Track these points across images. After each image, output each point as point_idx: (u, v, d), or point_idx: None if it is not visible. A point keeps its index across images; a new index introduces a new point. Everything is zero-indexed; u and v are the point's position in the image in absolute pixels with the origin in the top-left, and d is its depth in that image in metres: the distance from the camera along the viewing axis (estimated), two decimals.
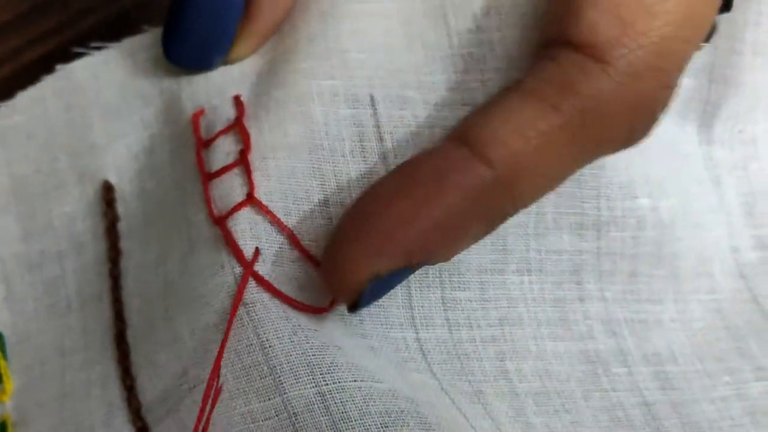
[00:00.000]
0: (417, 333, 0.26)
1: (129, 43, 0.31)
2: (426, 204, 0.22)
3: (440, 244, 0.23)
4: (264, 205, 0.25)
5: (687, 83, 0.30)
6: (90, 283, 0.29)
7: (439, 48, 0.27)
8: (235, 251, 0.24)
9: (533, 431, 0.26)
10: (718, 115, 0.30)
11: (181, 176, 0.28)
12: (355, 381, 0.23)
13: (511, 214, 0.24)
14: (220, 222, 0.25)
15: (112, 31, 0.33)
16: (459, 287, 0.27)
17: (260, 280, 0.24)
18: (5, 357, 0.30)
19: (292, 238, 0.25)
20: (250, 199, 0.25)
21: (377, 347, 0.25)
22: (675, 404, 0.28)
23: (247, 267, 0.24)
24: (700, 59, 0.30)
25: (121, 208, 0.29)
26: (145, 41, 0.30)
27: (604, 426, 0.27)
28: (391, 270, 0.22)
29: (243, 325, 0.24)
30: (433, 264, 0.24)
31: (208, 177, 0.26)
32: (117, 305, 0.28)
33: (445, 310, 0.27)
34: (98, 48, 0.31)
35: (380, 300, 0.26)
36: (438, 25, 0.27)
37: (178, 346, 0.25)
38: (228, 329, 0.23)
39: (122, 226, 0.29)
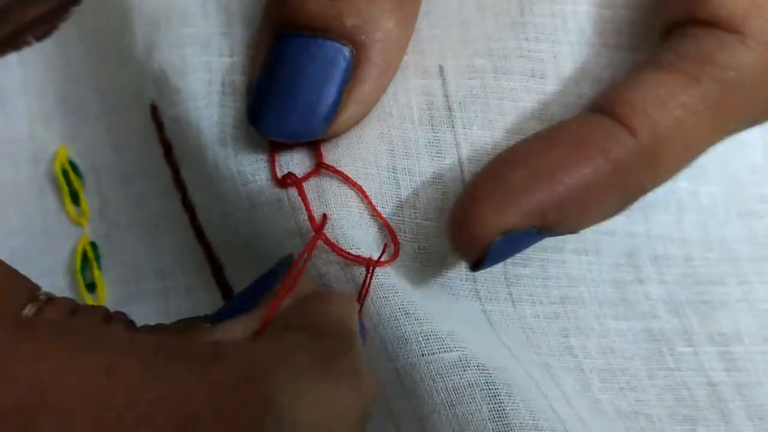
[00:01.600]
0: (482, 305, 0.26)
1: None
2: (566, 164, 0.22)
3: (573, 208, 0.22)
4: (334, 168, 0.25)
5: None
6: (173, 208, 0.29)
7: (510, 14, 0.27)
8: (309, 218, 0.24)
9: (600, 407, 0.26)
10: None
11: (224, 121, 0.26)
12: (423, 355, 0.23)
13: (645, 191, 0.24)
14: (299, 186, 0.25)
15: None
16: (521, 263, 0.27)
17: (330, 245, 0.24)
18: (99, 267, 0.31)
19: (364, 196, 0.25)
20: (320, 166, 0.25)
21: (452, 309, 0.25)
22: (739, 386, 0.28)
23: (318, 232, 0.24)
24: None
25: (168, 132, 0.28)
26: None
27: (669, 405, 0.27)
28: (521, 227, 0.22)
29: None
30: (559, 235, 0.23)
31: (274, 143, 0.26)
32: (203, 240, 0.28)
33: (507, 285, 0.27)
34: None
35: (444, 270, 0.26)
36: None
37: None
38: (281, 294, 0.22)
39: (176, 152, 0.28)
